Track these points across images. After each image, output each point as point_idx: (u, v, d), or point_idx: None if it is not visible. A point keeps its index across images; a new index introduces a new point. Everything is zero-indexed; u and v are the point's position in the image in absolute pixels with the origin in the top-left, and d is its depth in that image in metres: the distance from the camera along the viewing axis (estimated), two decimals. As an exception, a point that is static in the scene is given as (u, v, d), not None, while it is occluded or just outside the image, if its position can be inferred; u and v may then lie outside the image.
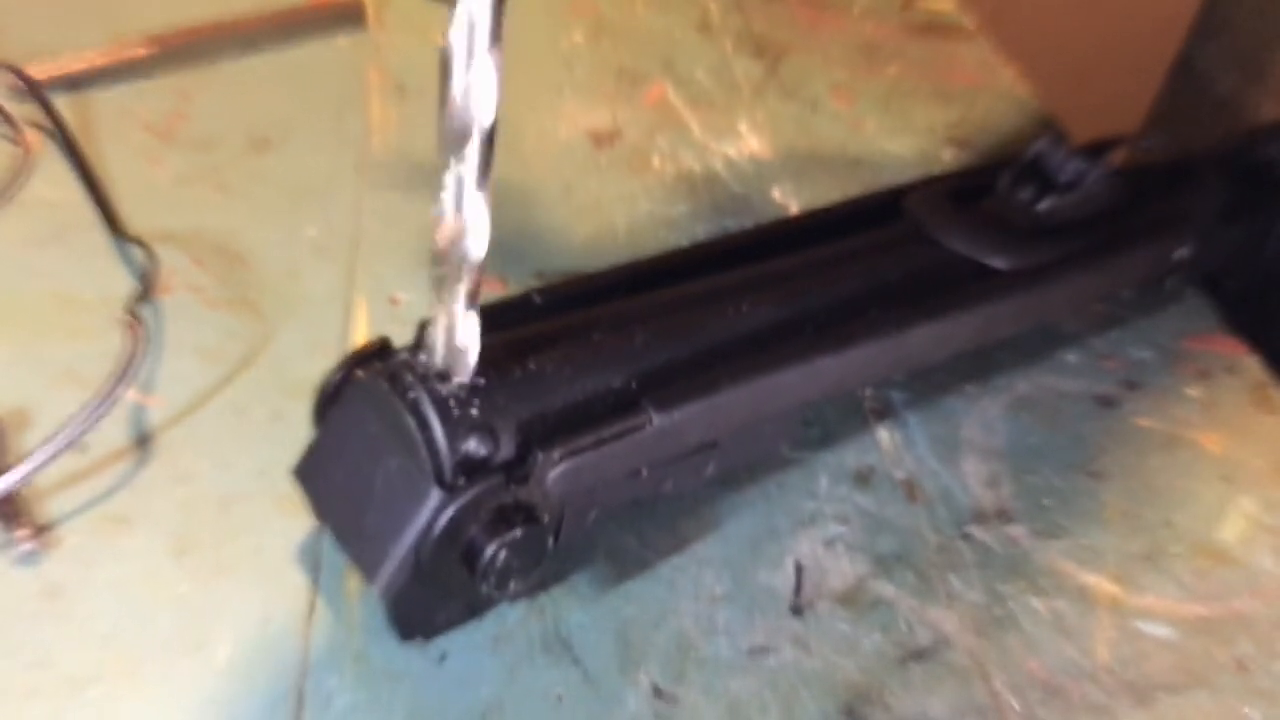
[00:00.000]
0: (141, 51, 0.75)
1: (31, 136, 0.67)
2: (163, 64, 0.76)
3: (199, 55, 0.77)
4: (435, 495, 0.41)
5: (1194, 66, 1.01)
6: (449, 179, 0.37)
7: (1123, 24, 1.11)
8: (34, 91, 0.69)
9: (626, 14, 0.92)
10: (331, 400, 0.46)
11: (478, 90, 0.35)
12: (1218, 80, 0.98)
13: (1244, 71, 0.95)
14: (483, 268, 0.38)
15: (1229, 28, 0.98)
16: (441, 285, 0.39)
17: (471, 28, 0.34)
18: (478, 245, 0.38)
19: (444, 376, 0.42)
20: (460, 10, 0.34)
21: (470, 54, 0.34)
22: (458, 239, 0.38)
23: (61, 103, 0.70)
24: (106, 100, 0.73)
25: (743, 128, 0.81)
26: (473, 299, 0.39)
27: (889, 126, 0.84)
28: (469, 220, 0.37)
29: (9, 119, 0.68)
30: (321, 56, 0.81)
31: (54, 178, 0.65)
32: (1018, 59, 0.93)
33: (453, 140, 0.36)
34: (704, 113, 0.82)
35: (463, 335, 0.40)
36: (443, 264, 0.39)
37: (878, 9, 0.98)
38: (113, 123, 0.71)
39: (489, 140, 0.36)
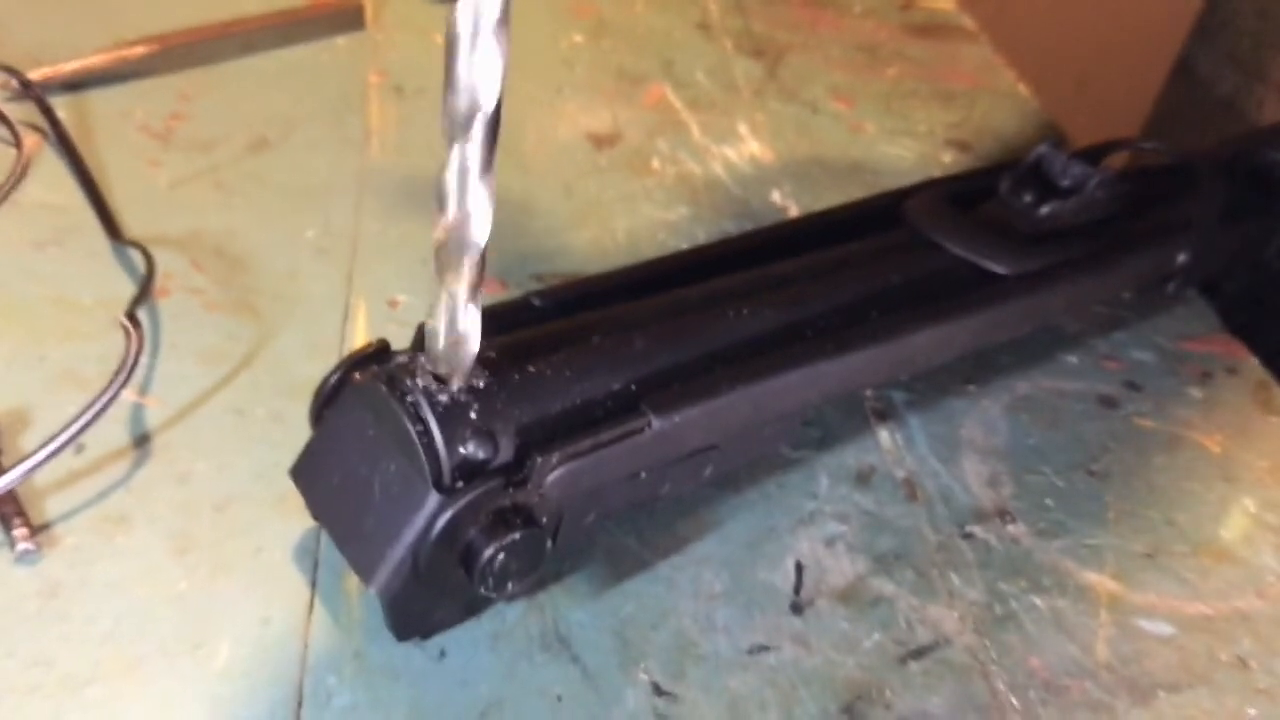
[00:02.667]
0: (140, 53, 0.75)
1: (29, 139, 0.67)
2: (161, 65, 0.76)
3: (197, 56, 0.77)
4: (433, 499, 0.41)
5: (1194, 68, 1.01)
6: (452, 166, 0.36)
7: (1123, 26, 1.11)
8: (31, 93, 0.69)
9: (627, 14, 0.92)
10: (329, 402, 0.46)
11: (482, 73, 0.35)
12: (1218, 82, 0.98)
13: (1244, 73, 0.95)
14: (484, 256, 0.38)
15: (1229, 30, 0.98)
16: (443, 271, 0.39)
17: (478, 14, 0.34)
18: (480, 232, 0.37)
19: (443, 380, 0.42)
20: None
21: (475, 36, 0.34)
22: (460, 228, 0.37)
23: (59, 104, 0.70)
24: (104, 102, 0.73)
25: (743, 129, 0.81)
26: (474, 289, 0.39)
27: (889, 128, 0.84)
28: (472, 209, 0.37)
29: (6, 121, 0.68)
30: (320, 58, 0.81)
31: (52, 180, 0.65)
32: (1018, 60, 0.93)
33: (457, 126, 0.35)
34: (704, 114, 0.82)
35: (464, 323, 0.40)
36: (444, 254, 0.38)
37: (878, 9, 0.98)
38: (111, 124, 0.71)
39: (493, 125, 0.35)
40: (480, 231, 0.37)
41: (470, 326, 0.40)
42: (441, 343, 0.40)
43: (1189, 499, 0.58)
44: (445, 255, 0.38)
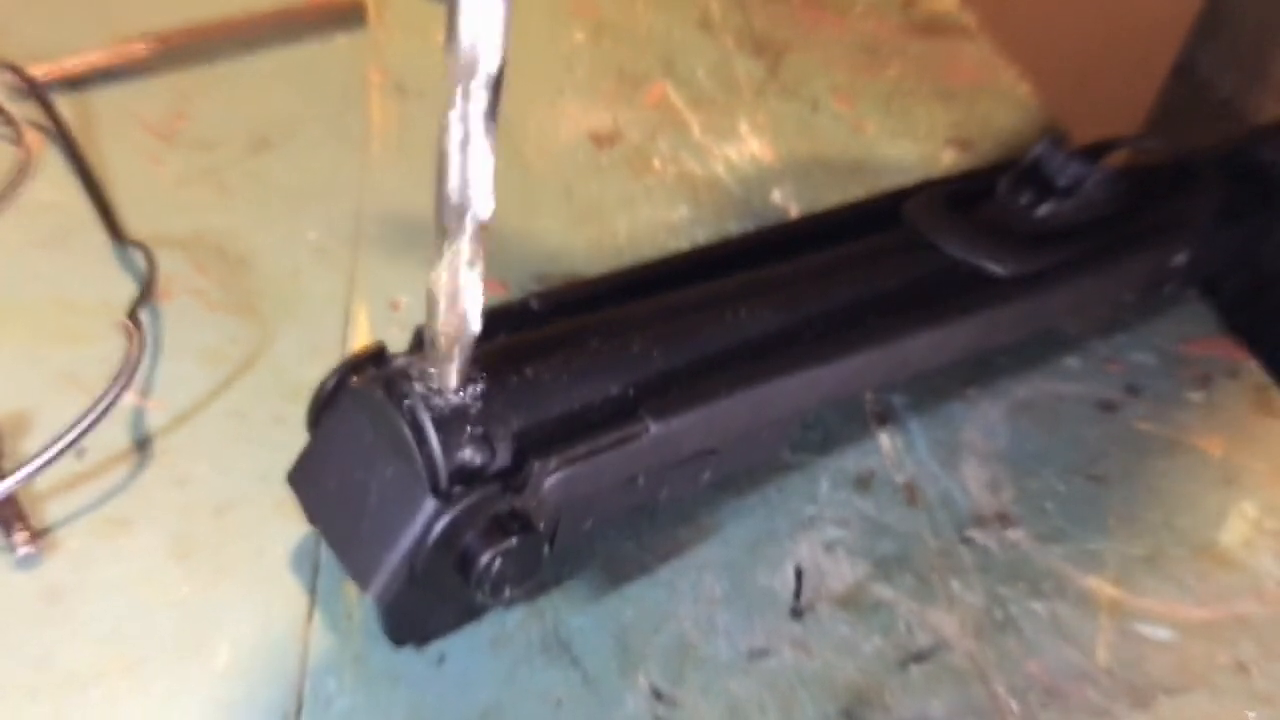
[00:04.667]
0: (142, 51, 0.75)
1: (32, 137, 0.67)
2: (163, 64, 0.76)
3: (199, 55, 0.77)
4: (430, 504, 0.41)
5: (1195, 67, 1.01)
6: (454, 123, 0.35)
7: (1124, 25, 1.11)
8: (35, 91, 0.69)
9: (627, 13, 0.92)
10: (326, 406, 0.46)
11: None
12: (1218, 81, 0.98)
13: (1244, 72, 0.95)
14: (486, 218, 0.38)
15: (1229, 28, 0.98)
16: (444, 235, 0.38)
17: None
18: (482, 190, 0.36)
19: (441, 390, 0.41)
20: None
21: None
22: (461, 186, 0.36)
23: (62, 103, 0.70)
24: (107, 100, 0.73)
25: (743, 129, 0.81)
26: (475, 252, 0.38)
27: (890, 127, 0.84)
28: (473, 165, 0.36)
29: (10, 119, 0.68)
30: (322, 56, 0.81)
31: (54, 179, 0.65)
32: (1019, 59, 0.93)
33: (460, 80, 0.34)
34: (705, 113, 0.82)
35: (465, 286, 0.39)
36: (445, 216, 0.37)
37: (879, 8, 0.98)
38: (113, 123, 0.71)
39: (497, 83, 0.34)
40: (482, 189, 0.36)
41: (471, 291, 0.39)
42: (442, 313, 0.39)
43: (1189, 502, 0.58)
44: (447, 217, 0.37)
